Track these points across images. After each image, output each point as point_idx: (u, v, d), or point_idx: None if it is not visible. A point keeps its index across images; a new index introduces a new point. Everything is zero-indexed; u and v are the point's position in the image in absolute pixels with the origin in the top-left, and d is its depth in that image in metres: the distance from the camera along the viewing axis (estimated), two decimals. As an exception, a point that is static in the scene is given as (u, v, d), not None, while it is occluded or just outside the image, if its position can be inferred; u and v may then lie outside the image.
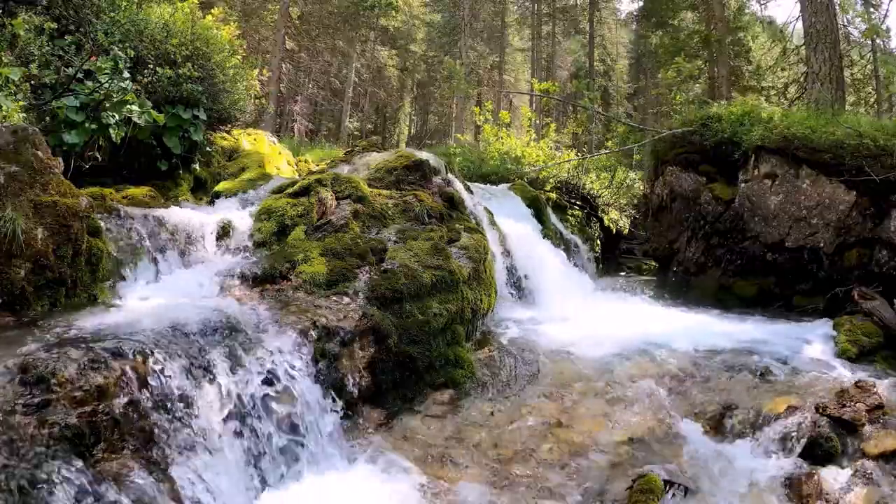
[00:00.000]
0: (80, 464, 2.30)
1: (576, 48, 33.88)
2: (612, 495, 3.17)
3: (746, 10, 19.13)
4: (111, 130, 5.24)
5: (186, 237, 4.61)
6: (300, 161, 10.41)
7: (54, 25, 5.46)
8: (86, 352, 2.62)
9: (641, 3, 27.34)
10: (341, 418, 3.68)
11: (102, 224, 4.04)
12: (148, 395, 2.68)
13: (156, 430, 2.63)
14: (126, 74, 5.56)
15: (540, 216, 8.90)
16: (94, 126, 5.18)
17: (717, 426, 3.85)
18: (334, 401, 3.64)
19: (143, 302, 3.80)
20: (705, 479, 3.30)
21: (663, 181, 8.72)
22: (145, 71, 6.25)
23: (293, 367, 3.45)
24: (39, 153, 3.50)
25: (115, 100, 5.22)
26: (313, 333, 3.70)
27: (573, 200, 11.30)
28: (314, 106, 29.20)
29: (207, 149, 7.32)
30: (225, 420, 2.99)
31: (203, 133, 6.92)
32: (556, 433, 3.77)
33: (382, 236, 5.18)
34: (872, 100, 17.97)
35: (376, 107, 34.34)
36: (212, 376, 3.04)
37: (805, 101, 10.56)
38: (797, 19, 11.53)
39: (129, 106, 5.33)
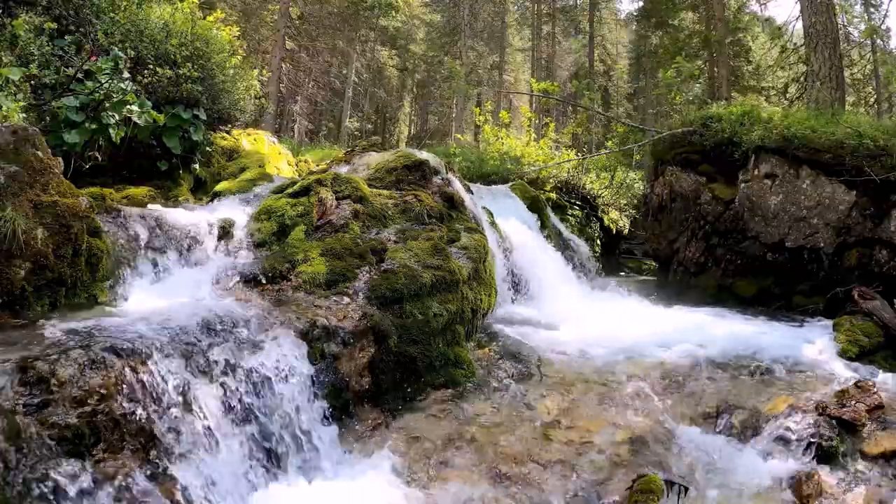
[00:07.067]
0: (79, 464, 2.30)
1: (576, 48, 33.88)
2: (612, 495, 3.17)
3: (746, 10, 19.14)
4: (111, 130, 5.24)
5: (186, 237, 4.61)
6: (300, 161, 10.40)
7: (54, 25, 5.46)
8: (86, 352, 2.61)
9: (641, 3, 27.34)
10: (341, 418, 3.68)
11: (102, 224, 4.04)
12: (147, 395, 2.68)
13: (155, 431, 2.63)
14: (126, 74, 5.56)
15: (540, 216, 8.90)
16: (94, 126, 5.18)
17: (716, 426, 3.85)
18: (334, 401, 3.64)
19: (143, 302, 3.80)
20: (705, 479, 3.31)
21: (663, 181, 8.72)
22: (145, 71, 6.26)
23: (293, 367, 3.45)
24: (39, 153, 3.50)
25: (115, 100, 5.21)
26: (313, 333, 3.70)
27: (573, 200, 11.29)
28: (314, 106, 29.20)
29: (207, 149, 7.32)
30: (223, 420, 2.99)
31: (203, 133, 6.92)
32: (555, 433, 3.77)
33: (382, 236, 5.17)
34: (872, 100, 17.99)
35: (376, 107, 34.34)
36: (211, 376, 3.04)
37: (805, 101, 10.57)
38: (797, 19, 11.53)
39: (129, 106, 5.33)
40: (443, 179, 6.71)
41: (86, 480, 2.28)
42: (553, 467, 3.42)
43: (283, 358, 3.43)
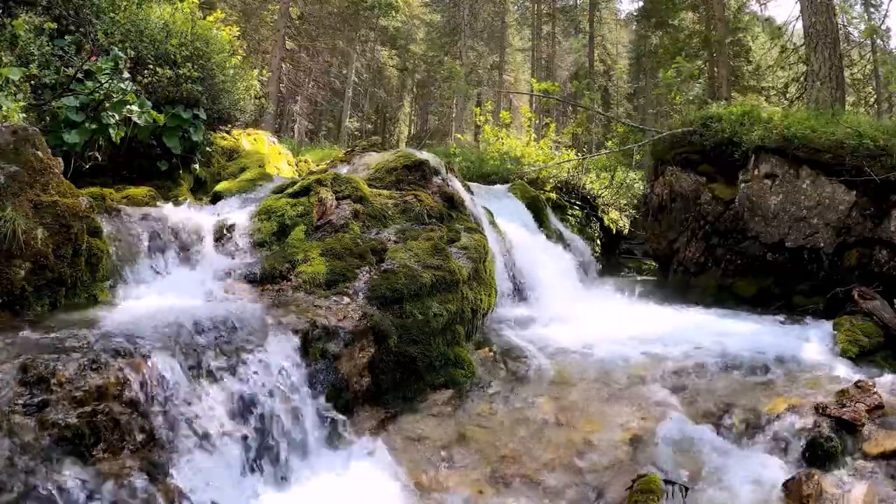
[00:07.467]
0: (79, 464, 2.30)
1: (576, 48, 33.90)
2: (612, 495, 3.17)
3: (746, 10, 19.14)
4: (111, 130, 5.24)
5: (186, 237, 4.61)
6: (300, 161, 10.41)
7: (54, 25, 5.46)
8: (85, 352, 2.62)
9: (641, 3, 27.34)
10: (341, 418, 3.68)
11: (102, 224, 4.04)
12: (147, 395, 2.68)
13: (155, 431, 2.63)
14: (126, 74, 5.56)
15: (540, 216, 8.90)
16: (94, 126, 5.18)
17: (716, 426, 3.85)
18: (334, 401, 3.64)
19: (143, 302, 3.80)
20: (705, 479, 3.30)
21: (663, 181, 8.72)
22: (145, 71, 6.26)
23: (293, 368, 3.44)
24: (39, 153, 3.50)
25: (115, 100, 5.22)
26: (313, 333, 3.70)
27: (573, 200, 11.29)
28: (314, 106, 29.21)
29: (207, 149, 7.32)
30: (223, 421, 2.99)
31: (203, 133, 6.92)
32: (555, 433, 3.77)
33: (382, 236, 5.17)
34: (872, 100, 17.99)
35: (376, 107, 34.35)
36: (210, 377, 3.04)
37: (805, 101, 10.57)
38: (797, 19, 11.55)
39: (129, 106, 5.33)
40: (443, 179, 6.71)
41: (86, 481, 2.28)
42: (553, 467, 3.42)
43: (283, 358, 3.43)
